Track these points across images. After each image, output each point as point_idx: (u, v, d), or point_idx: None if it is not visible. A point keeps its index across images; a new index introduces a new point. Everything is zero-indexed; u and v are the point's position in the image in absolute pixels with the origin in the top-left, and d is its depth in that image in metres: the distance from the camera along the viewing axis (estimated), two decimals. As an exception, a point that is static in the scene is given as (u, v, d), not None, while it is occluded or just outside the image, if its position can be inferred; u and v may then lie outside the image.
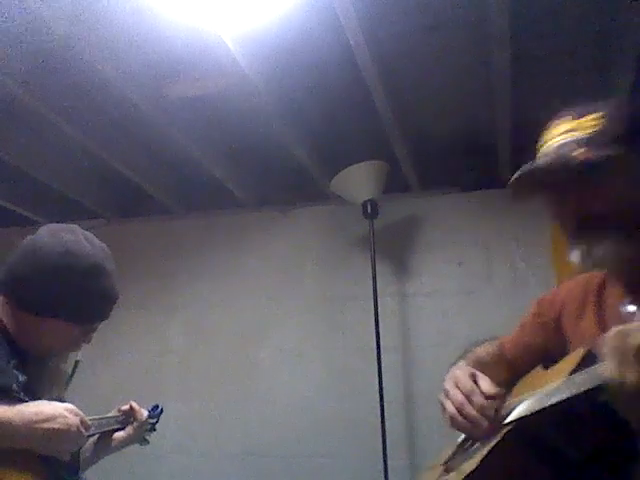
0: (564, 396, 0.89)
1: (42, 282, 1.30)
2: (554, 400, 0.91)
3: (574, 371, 0.95)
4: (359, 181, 2.83)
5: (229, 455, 3.08)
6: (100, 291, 1.37)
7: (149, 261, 3.45)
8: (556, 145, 1.09)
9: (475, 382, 1.17)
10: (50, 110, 2.41)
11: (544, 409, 0.93)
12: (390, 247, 3.12)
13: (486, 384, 1.15)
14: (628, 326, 0.80)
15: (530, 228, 2.97)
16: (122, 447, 1.51)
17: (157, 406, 1.68)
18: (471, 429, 1.12)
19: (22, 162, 2.75)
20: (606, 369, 0.79)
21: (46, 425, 1.10)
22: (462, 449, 1.23)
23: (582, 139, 1.04)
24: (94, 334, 1.44)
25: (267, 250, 3.31)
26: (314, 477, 2.91)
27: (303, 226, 3.30)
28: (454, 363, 1.34)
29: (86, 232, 1.42)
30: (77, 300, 1.33)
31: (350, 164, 2.81)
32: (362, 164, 2.80)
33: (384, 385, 2.72)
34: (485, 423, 1.08)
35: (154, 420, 1.66)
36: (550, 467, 0.97)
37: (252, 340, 3.20)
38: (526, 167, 1.09)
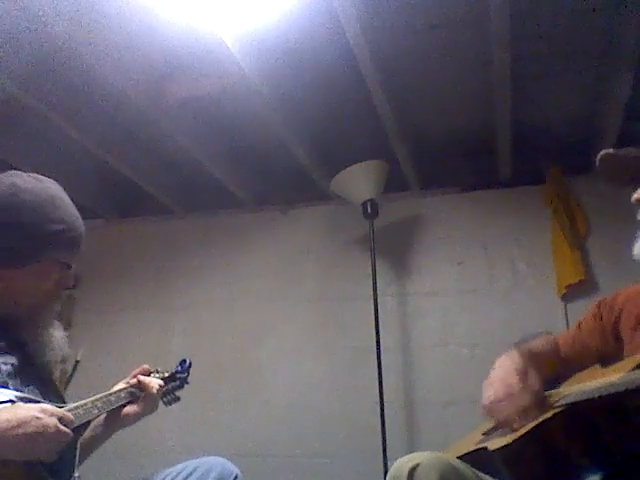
0: (620, 389, 0.89)
1: None
2: (610, 391, 0.91)
3: (635, 368, 0.96)
4: (359, 181, 2.83)
5: (229, 455, 3.06)
6: (66, 218, 1.31)
7: (149, 261, 3.45)
8: None
9: (525, 377, 1.17)
10: (50, 110, 2.41)
11: (599, 397, 0.93)
12: (390, 247, 3.12)
13: (534, 381, 1.16)
14: None
15: (530, 228, 2.98)
16: (135, 421, 1.46)
17: (185, 360, 1.68)
18: (502, 422, 1.13)
19: (22, 162, 2.75)
20: None
21: (18, 431, 1.05)
22: (491, 432, 1.23)
23: None
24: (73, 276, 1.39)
25: (267, 250, 3.31)
26: (314, 477, 2.91)
27: (303, 226, 3.30)
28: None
29: (32, 173, 1.35)
30: (34, 238, 1.26)
31: (350, 164, 2.80)
32: (362, 164, 2.80)
33: (384, 385, 2.71)
34: (519, 421, 1.09)
35: (184, 374, 1.65)
36: (592, 454, 0.96)
37: (252, 340, 3.19)
38: (614, 150, 1.11)
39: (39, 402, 1.17)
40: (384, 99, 2.37)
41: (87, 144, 2.69)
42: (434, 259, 3.08)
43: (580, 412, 0.98)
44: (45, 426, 1.09)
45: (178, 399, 1.58)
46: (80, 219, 1.36)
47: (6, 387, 1.17)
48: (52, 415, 1.11)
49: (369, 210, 2.87)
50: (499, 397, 1.16)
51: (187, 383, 1.66)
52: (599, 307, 1.31)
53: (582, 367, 1.24)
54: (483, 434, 1.27)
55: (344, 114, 2.69)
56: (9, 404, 1.12)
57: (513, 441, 1.01)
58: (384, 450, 2.63)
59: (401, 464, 1.07)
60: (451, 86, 2.50)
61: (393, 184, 2.97)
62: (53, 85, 2.33)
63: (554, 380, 1.26)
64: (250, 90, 2.32)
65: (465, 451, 1.16)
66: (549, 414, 1.02)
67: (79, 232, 1.35)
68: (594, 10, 2.05)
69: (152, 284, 3.41)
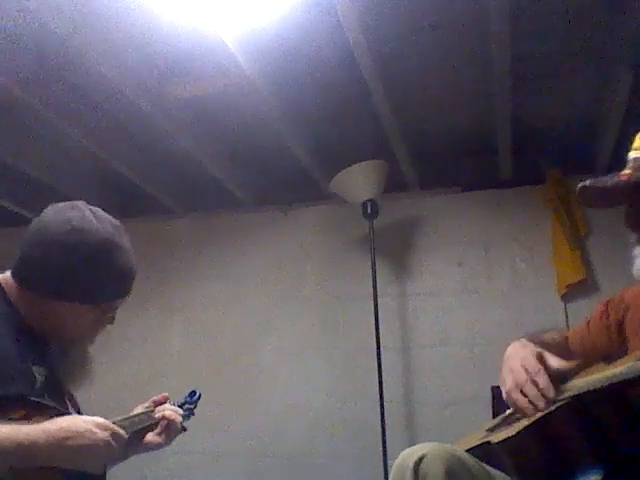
0: (626, 377, 0.89)
1: (49, 264, 1.23)
2: (613, 381, 0.92)
3: (638, 360, 0.96)
4: (359, 181, 2.83)
5: (229, 455, 3.08)
6: (113, 268, 1.29)
7: (149, 261, 3.44)
8: (632, 157, 1.14)
9: (543, 362, 1.16)
10: (50, 110, 2.41)
11: (602, 387, 0.93)
12: (390, 247, 3.12)
13: (555, 362, 1.15)
14: None
15: (530, 228, 2.98)
16: (155, 449, 1.44)
17: (194, 392, 1.68)
18: (526, 408, 1.10)
19: (22, 162, 2.75)
20: None
21: (72, 442, 1.07)
22: (508, 420, 1.23)
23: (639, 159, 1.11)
24: (117, 313, 1.39)
25: (267, 250, 3.31)
26: (314, 477, 2.91)
27: (303, 226, 3.30)
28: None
29: (94, 207, 1.35)
30: (90, 280, 1.26)
31: (350, 164, 2.80)
32: (362, 164, 2.80)
33: (384, 385, 2.71)
34: (542, 403, 1.07)
35: (192, 406, 1.64)
36: (595, 449, 0.96)
37: (252, 340, 3.20)
38: (589, 182, 1.15)
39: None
40: (384, 99, 2.37)
41: (87, 144, 2.69)
42: (434, 259, 3.08)
43: (583, 405, 0.97)
44: (98, 440, 1.10)
45: (184, 430, 1.58)
46: (132, 261, 1.34)
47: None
48: (106, 430, 1.13)
49: (369, 210, 2.87)
50: (522, 382, 1.15)
51: (193, 415, 1.65)
52: (607, 306, 1.31)
53: (588, 365, 1.24)
54: (487, 430, 1.27)
55: (344, 114, 2.69)
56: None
57: (517, 433, 1.00)
58: (384, 450, 2.63)
59: (407, 455, 1.07)
60: (451, 86, 2.50)
61: (393, 184, 2.97)
62: (53, 85, 2.33)
63: (564, 374, 1.26)
64: (250, 90, 2.32)
65: (469, 446, 1.16)
66: (552, 407, 1.01)
67: (129, 276, 1.34)
68: (594, 10, 2.05)
69: (152, 284, 3.40)
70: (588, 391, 0.97)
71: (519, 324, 2.76)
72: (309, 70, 2.35)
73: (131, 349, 3.24)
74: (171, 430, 1.42)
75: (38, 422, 1.09)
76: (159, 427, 1.40)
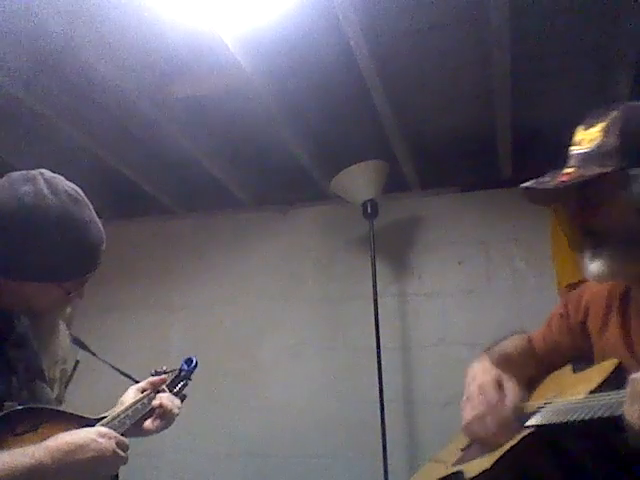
0: (584, 417, 0.90)
1: (2, 243, 1.16)
2: (573, 418, 0.92)
3: (600, 385, 0.96)
4: (359, 181, 2.83)
5: (229, 455, 3.08)
6: (70, 244, 1.19)
7: (149, 261, 3.45)
8: (573, 153, 1.10)
9: (501, 389, 1.17)
10: (50, 110, 2.41)
11: (564, 423, 0.94)
12: (390, 247, 3.12)
13: (512, 394, 1.16)
14: None
15: (530, 228, 2.97)
16: (154, 434, 1.43)
17: (191, 359, 1.71)
18: (485, 438, 1.12)
19: (22, 162, 2.75)
20: (628, 412, 0.80)
21: (79, 456, 1.07)
22: (469, 449, 1.23)
23: (581, 154, 1.06)
24: (86, 288, 1.32)
25: (267, 250, 3.31)
26: (314, 477, 2.91)
27: (303, 226, 3.30)
28: (480, 355, 1.34)
29: (53, 178, 1.24)
30: (45, 259, 1.18)
31: (350, 164, 2.80)
32: (362, 164, 2.80)
33: (384, 385, 2.71)
34: (501, 437, 1.09)
35: (189, 374, 1.66)
36: (565, 475, 0.97)
37: (252, 340, 3.20)
38: (530, 183, 1.09)
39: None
40: (384, 99, 2.37)
41: (87, 144, 2.69)
42: (434, 259, 3.08)
43: (548, 434, 1.00)
44: (104, 450, 1.10)
45: (185, 397, 1.60)
46: (94, 234, 1.26)
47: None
48: (110, 439, 1.13)
49: (369, 210, 2.87)
50: (480, 414, 1.15)
51: (190, 380, 1.67)
52: (566, 307, 1.29)
53: (555, 366, 1.23)
54: (462, 449, 1.27)
55: (344, 114, 2.69)
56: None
57: (490, 466, 1.01)
58: (384, 450, 2.63)
59: None
60: (451, 86, 2.50)
61: (393, 184, 2.97)
62: (53, 85, 2.33)
63: (532, 380, 1.26)
64: (250, 90, 2.32)
65: (441, 475, 1.17)
66: (520, 435, 1.02)
67: (93, 250, 1.25)
68: (594, 10, 2.05)
69: (152, 284, 3.41)
70: (550, 423, 0.99)
71: (519, 324, 2.75)
72: (309, 70, 2.35)
73: (131, 349, 3.24)
74: (168, 418, 1.42)
75: (45, 429, 1.09)
76: (156, 413, 1.40)
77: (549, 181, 1.06)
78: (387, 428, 2.67)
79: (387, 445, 2.64)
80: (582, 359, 1.15)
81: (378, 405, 2.68)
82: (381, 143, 2.78)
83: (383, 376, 2.72)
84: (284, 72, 2.34)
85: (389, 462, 2.64)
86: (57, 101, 2.40)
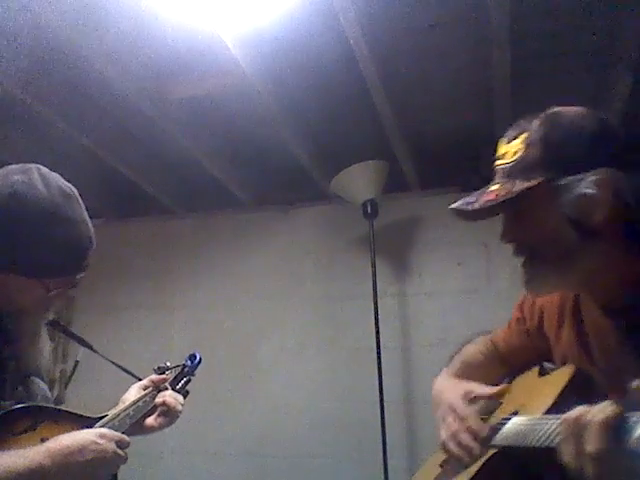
0: (534, 444, 0.90)
1: None
2: (525, 443, 0.94)
3: (556, 400, 0.97)
4: (359, 181, 2.83)
5: (229, 455, 3.08)
6: (56, 241, 1.16)
7: (149, 261, 3.45)
8: (498, 168, 1.07)
9: (471, 402, 1.19)
10: (50, 110, 2.41)
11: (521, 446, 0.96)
12: (390, 247, 3.12)
13: (480, 408, 1.18)
14: (588, 413, 0.76)
15: (530, 228, 2.97)
16: (156, 431, 1.42)
17: (195, 355, 1.73)
18: (463, 455, 1.14)
19: (21, 162, 2.74)
20: (562, 450, 0.79)
21: (79, 458, 1.06)
22: (446, 465, 1.24)
23: (505, 169, 1.04)
24: (73, 293, 1.31)
25: (267, 250, 3.31)
26: (314, 477, 2.91)
27: (303, 226, 3.30)
28: (447, 364, 1.35)
29: (48, 172, 1.22)
30: (30, 252, 1.14)
31: (350, 164, 2.80)
32: (362, 164, 2.80)
33: (384, 385, 2.71)
34: (477, 449, 1.10)
35: (192, 370, 1.67)
36: None
37: (252, 340, 3.20)
38: (457, 204, 1.10)
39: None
40: (384, 99, 2.37)
41: (87, 144, 2.69)
42: (434, 259, 3.08)
43: (511, 453, 1.01)
44: (104, 451, 1.10)
45: (187, 393, 1.60)
46: (83, 235, 1.23)
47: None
48: (111, 440, 1.13)
49: (369, 210, 2.87)
50: (455, 430, 1.16)
51: (194, 376, 1.68)
52: (522, 311, 1.27)
53: (520, 365, 1.24)
54: (440, 465, 1.27)
55: (344, 114, 2.69)
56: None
57: None
58: (384, 450, 2.63)
59: None
60: (451, 86, 2.50)
61: (393, 184, 2.97)
62: (53, 85, 2.33)
63: (501, 380, 1.27)
64: (250, 90, 2.32)
65: None
66: (487, 456, 1.05)
67: (79, 251, 1.22)
68: (594, 9, 2.05)
69: (152, 284, 3.41)
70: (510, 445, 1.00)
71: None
72: (309, 70, 2.35)
73: (131, 349, 3.24)
74: (171, 415, 1.42)
75: (44, 428, 1.09)
76: (159, 411, 1.40)
77: (474, 201, 1.05)
78: (387, 428, 2.67)
79: (387, 445, 2.64)
80: (547, 360, 1.15)
81: (378, 405, 2.68)
82: (381, 143, 2.78)
83: (383, 376, 2.72)
84: (284, 72, 2.34)
85: (389, 462, 2.64)
86: (57, 101, 2.40)
